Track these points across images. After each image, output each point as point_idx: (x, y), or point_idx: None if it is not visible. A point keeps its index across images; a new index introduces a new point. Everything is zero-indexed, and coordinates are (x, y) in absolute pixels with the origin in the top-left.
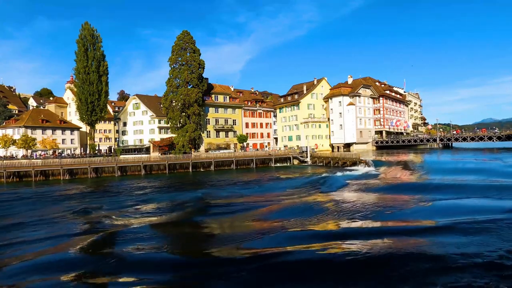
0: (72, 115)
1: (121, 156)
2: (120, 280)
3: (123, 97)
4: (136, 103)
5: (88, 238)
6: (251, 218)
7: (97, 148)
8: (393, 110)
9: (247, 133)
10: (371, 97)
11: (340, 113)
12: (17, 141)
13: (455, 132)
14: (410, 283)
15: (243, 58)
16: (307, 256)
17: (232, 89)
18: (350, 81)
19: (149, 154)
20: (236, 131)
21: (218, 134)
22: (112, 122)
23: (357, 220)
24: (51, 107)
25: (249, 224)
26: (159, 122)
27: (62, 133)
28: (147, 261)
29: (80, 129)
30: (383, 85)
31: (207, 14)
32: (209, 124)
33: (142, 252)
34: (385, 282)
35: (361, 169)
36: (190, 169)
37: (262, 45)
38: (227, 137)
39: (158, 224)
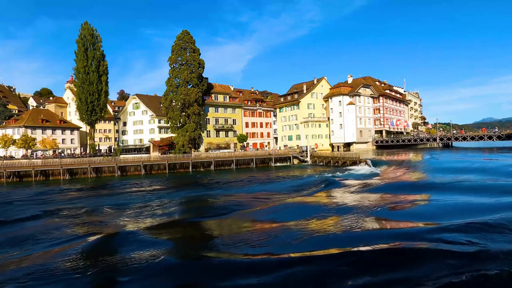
0: (72, 115)
1: (121, 156)
2: (118, 286)
3: (123, 97)
4: (136, 103)
5: (86, 240)
6: (251, 220)
7: (97, 148)
8: (393, 110)
9: (247, 133)
10: (371, 97)
11: (340, 112)
12: (17, 141)
13: (454, 131)
14: (410, 284)
15: (245, 58)
16: (307, 258)
17: (232, 89)
18: (350, 80)
19: (149, 154)
20: (236, 131)
21: (218, 133)
22: (112, 122)
23: (356, 220)
24: (51, 107)
25: (248, 226)
26: (159, 122)
27: (62, 133)
28: (147, 266)
29: (80, 129)
30: (383, 85)
31: (210, 13)
32: (209, 123)
33: (142, 255)
34: (386, 283)
35: (361, 169)
36: (190, 169)
37: (264, 44)
38: (227, 136)
39: (158, 225)
